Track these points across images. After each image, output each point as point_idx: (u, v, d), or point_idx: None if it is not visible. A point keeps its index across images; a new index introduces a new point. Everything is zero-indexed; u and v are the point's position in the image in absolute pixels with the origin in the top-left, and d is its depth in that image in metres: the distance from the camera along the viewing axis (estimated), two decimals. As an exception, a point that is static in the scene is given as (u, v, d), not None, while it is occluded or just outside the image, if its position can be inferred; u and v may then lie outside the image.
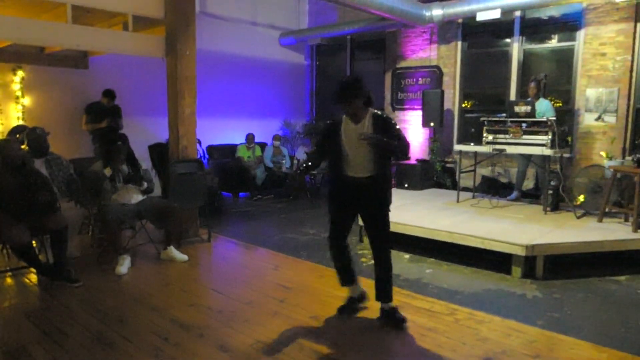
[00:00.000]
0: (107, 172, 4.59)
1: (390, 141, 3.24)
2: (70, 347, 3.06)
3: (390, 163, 3.50)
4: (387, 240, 3.46)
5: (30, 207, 4.01)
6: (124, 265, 4.50)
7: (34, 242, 4.28)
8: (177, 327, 3.35)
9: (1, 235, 3.96)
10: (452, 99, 8.31)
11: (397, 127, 3.37)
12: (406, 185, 7.62)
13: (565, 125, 6.16)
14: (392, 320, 3.39)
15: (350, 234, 5.76)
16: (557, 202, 5.81)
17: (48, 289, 4.08)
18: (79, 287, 4.08)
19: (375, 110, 3.37)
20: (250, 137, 8.63)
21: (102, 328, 3.33)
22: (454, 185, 7.62)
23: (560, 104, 7.12)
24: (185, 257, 4.86)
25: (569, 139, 6.02)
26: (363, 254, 5.16)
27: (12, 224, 3.88)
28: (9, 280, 4.34)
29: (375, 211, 3.40)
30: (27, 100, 6.69)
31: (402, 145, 3.30)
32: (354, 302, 3.63)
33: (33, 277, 4.38)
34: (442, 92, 8.00)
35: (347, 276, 3.58)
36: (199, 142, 6.44)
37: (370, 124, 3.30)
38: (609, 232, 4.86)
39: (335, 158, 3.39)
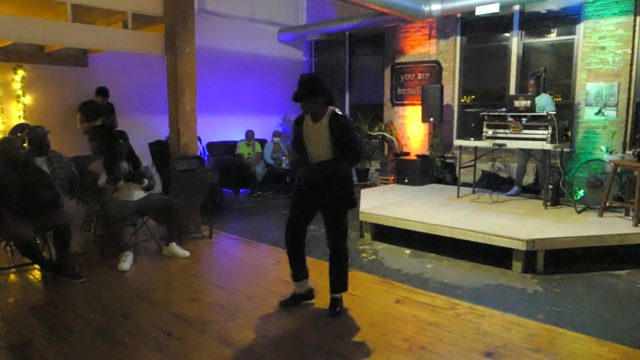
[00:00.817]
0: (101, 182, 4.61)
1: (337, 166, 3.31)
2: (75, 342, 3.09)
3: None
4: (344, 237, 3.50)
5: (33, 204, 4.04)
6: (127, 262, 4.52)
7: (37, 238, 4.30)
8: (180, 322, 3.37)
9: (5, 232, 3.99)
10: (452, 94, 8.32)
11: (352, 133, 3.34)
12: (406, 181, 7.64)
13: (565, 119, 6.17)
14: (331, 308, 3.50)
15: (350, 229, 5.83)
16: (558, 197, 5.83)
17: (52, 285, 4.12)
18: (83, 283, 4.11)
19: (336, 111, 3.34)
20: (250, 134, 8.64)
21: (106, 323, 3.36)
22: (454, 181, 7.64)
23: (559, 99, 7.13)
24: (187, 253, 4.88)
25: (569, 133, 6.03)
26: (364, 249, 5.18)
27: (16, 221, 3.90)
28: (12, 276, 4.37)
29: (334, 208, 3.42)
30: (27, 99, 6.70)
31: (351, 157, 3.34)
32: (299, 299, 3.65)
33: (37, 274, 4.40)
34: (442, 87, 8.01)
35: (301, 270, 3.59)
36: (199, 139, 6.45)
37: (327, 124, 3.30)
38: (610, 226, 4.88)
39: (295, 151, 3.50)
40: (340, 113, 3.35)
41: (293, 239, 3.52)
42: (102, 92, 6.81)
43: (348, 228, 3.52)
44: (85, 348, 3.02)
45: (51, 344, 3.07)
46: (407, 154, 8.51)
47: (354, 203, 3.52)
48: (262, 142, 8.97)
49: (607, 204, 5.32)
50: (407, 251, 5.12)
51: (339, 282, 3.53)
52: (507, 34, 7.75)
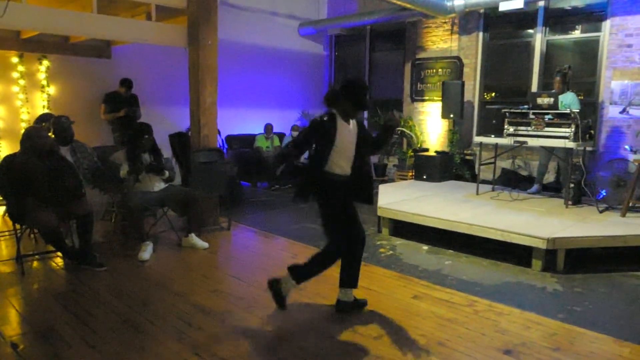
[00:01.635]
0: (123, 174, 4.69)
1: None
2: (97, 328, 3.15)
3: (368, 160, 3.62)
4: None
5: (57, 193, 4.12)
6: (147, 252, 4.59)
7: (60, 227, 4.38)
8: (199, 312, 3.42)
9: (30, 220, 4.08)
10: (473, 90, 8.24)
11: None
12: (425, 177, 7.59)
13: (588, 117, 6.06)
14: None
15: (368, 224, 5.82)
16: (579, 196, 5.74)
17: (74, 273, 4.20)
18: (104, 272, 4.19)
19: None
20: (268, 128, 8.68)
21: (127, 311, 3.42)
22: (473, 178, 7.58)
23: (582, 97, 7.00)
24: (205, 244, 4.93)
25: (592, 131, 5.92)
26: (381, 244, 5.18)
27: (40, 209, 3.99)
28: (36, 263, 4.47)
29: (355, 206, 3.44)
30: (52, 89, 6.82)
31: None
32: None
33: (60, 261, 4.50)
34: (463, 83, 7.94)
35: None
36: (219, 132, 6.50)
37: (355, 123, 3.38)
38: (633, 226, 4.79)
39: (326, 155, 3.25)
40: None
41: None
42: (126, 83, 6.89)
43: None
44: (107, 334, 3.08)
45: (74, 329, 3.13)
46: (426, 150, 8.46)
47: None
48: (281, 135, 8.99)
49: (631, 204, 5.23)
50: (425, 247, 5.10)
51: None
52: (530, 31, 7.63)
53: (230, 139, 8.59)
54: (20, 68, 6.53)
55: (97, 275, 4.13)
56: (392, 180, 8.75)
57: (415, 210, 5.36)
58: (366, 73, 9.97)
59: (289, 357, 2.83)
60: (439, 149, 8.38)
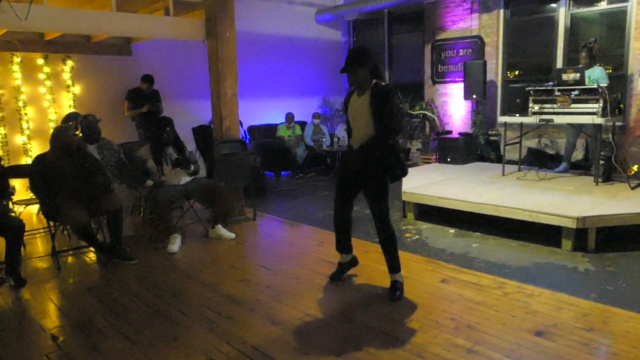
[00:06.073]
0: (149, 184, 4.82)
1: (377, 146, 3.31)
2: (131, 320, 3.24)
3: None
4: (385, 212, 3.46)
5: (87, 190, 4.23)
6: (175, 244, 4.68)
7: (91, 223, 4.50)
8: (228, 302, 3.48)
9: (62, 217, 4.19)
10: (495, 69, 8.06)
11: (390, 104, 3.26)
12: (449, 160, 7.50)
13: (617, 92, 5.87)
14: (390, 292, 3.50)
15: (393, 209, 5.80)
16: (610, 173, 5.59)
17: (107, 267, 4.32)
18: (135, 265, 4.30)
19: (379, 82, 3.32)
20: (289, 117, 8.69)
21: (158, 302, 3.50)
22: (499, 159, 7.45)
23: (610, 70, 6.78)
24: (232, 235, 5.00)
25: (622, 106, 5.73)
26: (407, 229, 5.16)
27: (71, 207, 4.09)
28: (70, 259, 4.61)
29: (371, 182, 3.41)
30: (77, 89, 6.95)
31: (385, 134, 3.28)
32: (344, 267, 3.82)
33: (92, 256, 4.63)
34: (485, 62, 7.77)
35: (346, 244, 3.74)
36: (241, 124, 6.54)
37: (369, 95, 3.30)
38: (666, 202, 4.66)
39: (348, 129, 3.60)
40: (382, 85, 3.32)
41: (340, 212, 3.63)
42: (148, 79, 6.97)
43: (389, 208, 3.48)
44: (141, 325, 3.16)
45: (109, 321, 3.23)
46: (450, 132, 8.34)
47: (395, 175, 3.42)
48: (302, 124, 9.00)
49: (664, 180, 5.07)
50: (452, 230, 5.06)
51: (390, 262, 3.51)
52: (553, 5, 7.40)
53: (252, 129, 8.64)
54: (46, 69, 6.67)
55: (128, 268, 4.24)
56: (416, 164, 8.68)
57: (440, 193, 5.31)
58: (385, 57, 9.85)
59: (319, 344, 2.86)
60: (463, 130, 8.25)
